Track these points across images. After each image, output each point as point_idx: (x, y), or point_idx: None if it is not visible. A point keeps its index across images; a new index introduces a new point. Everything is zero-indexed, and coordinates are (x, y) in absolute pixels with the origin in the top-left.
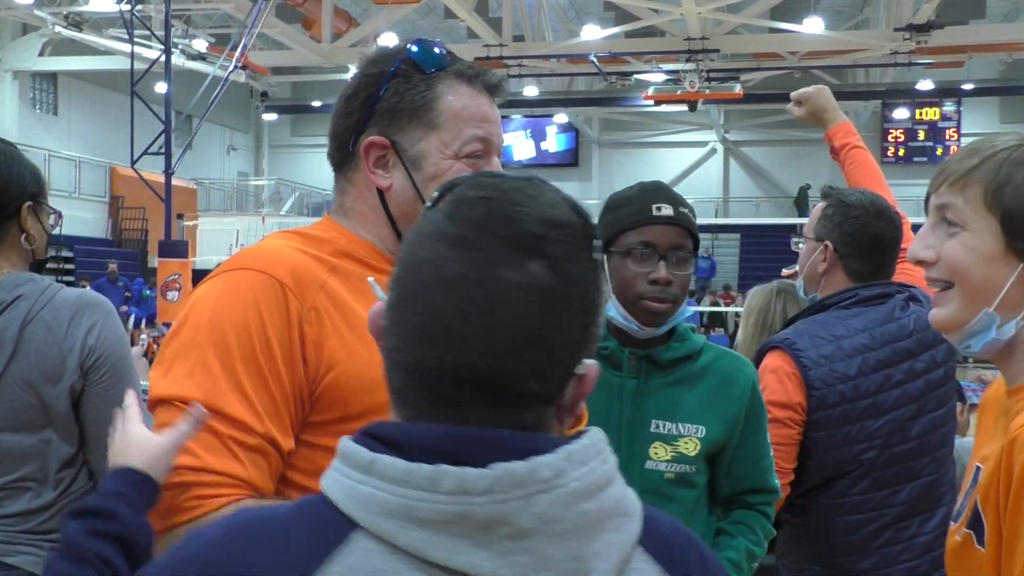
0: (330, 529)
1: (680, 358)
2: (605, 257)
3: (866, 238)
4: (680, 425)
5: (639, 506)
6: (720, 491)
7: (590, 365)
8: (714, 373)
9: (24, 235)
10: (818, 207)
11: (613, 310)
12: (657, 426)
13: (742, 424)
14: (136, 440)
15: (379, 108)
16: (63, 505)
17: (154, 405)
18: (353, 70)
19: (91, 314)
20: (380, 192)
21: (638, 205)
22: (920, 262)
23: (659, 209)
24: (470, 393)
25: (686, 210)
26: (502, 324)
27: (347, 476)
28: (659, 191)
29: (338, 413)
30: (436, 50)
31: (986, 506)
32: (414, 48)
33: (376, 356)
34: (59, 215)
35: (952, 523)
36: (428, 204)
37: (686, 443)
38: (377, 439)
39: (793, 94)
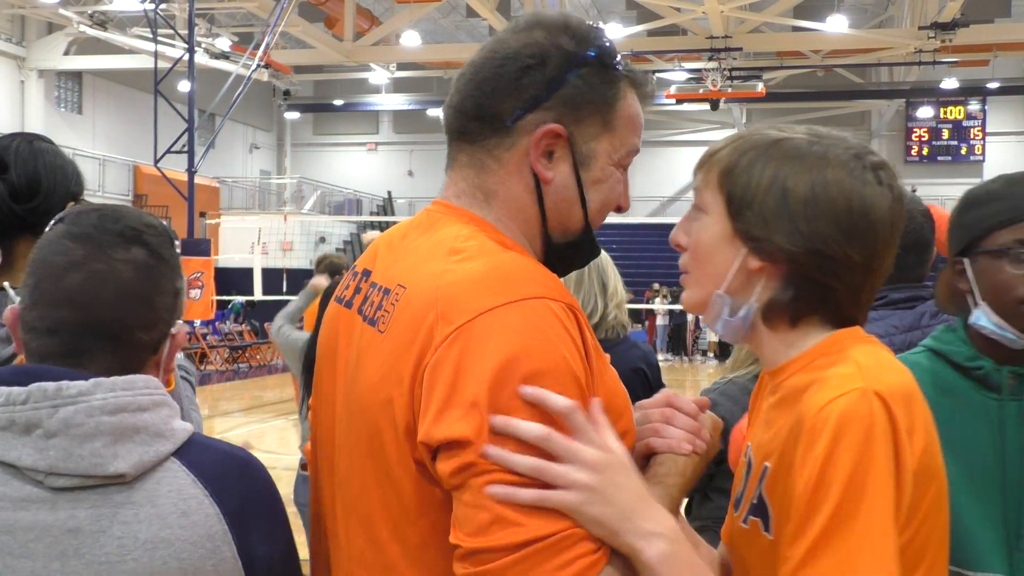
0: None
1: None
2: (967, 260)
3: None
4: None
5: (185, 435)
6: None
7: (180, 326)
8: None
9: None
10: None
11: (984, 318)
12: None
13: None
14: None
15: (562, 92)
16: None
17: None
18: (376, 69)
19: None
20: (537, 184)
21: (1011, 200)
22: (677, 245)
23: None
24: (97, 341)
25: None
26: (121, 288)
27: None
28: None
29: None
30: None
31: (772, 497)
32: (605, 37)
33: (607, 380)
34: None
35: (734, 510)
36: (49, 226)
37: None
38: None
39: None
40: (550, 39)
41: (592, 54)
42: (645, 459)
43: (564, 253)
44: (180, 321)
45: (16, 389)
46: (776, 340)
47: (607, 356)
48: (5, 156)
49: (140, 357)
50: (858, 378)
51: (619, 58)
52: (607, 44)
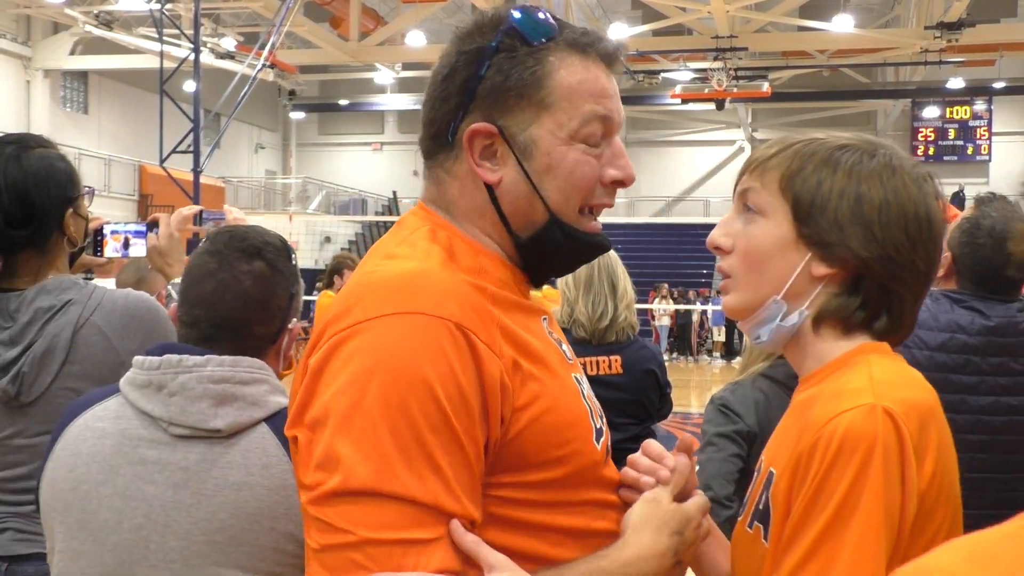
0: (104, 392)
1: None
2: None
3: (981, 266)
4: None
5: (279, 407)
6: None
7: (296, 323)
8: None
9: (66, 238)
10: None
11: None
12: None
13: None
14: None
15: (481, 89)
16: None
17: (328, 497)
18: (381, 69)
19: (139, 323)
20: (489, 187)
21: None
22: (717, 248)
23: None
24: (221, 333)
25: None
26: (240, 293)
27: None
28: None
29: (529, 459)
30: (541, 16)
31: (776, 503)
32: (517, 16)
33: (562, 391)
34: (92, 192)
35: (740, 514)
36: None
37: None
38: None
39: None
40: (456, 44)
41: (494, 43)
42: None
43: (538, 251)
44: (295, 319)
45: (152, 358)
46: (819, 347)
47: (561, 379)
48: None
49: (259, 346)
50: (868, 393)
51: (543, 30)
52: (519, 21)
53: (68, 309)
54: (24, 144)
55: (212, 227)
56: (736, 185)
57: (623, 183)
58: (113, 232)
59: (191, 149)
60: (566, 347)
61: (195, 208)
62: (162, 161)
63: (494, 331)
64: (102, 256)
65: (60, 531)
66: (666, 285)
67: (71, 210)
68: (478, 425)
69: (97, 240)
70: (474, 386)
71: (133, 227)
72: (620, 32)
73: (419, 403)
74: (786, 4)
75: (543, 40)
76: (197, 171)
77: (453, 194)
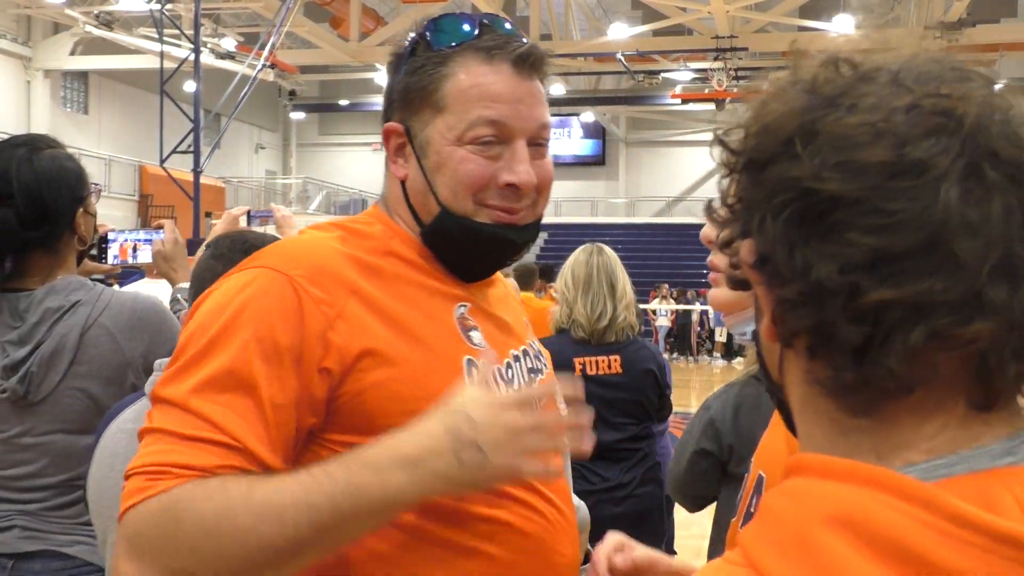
0: (134, 397)
1: None
2: None
3: None
4: None
5: None
6: None
7: None
8: None
9: (77, 236)
10: None
11: None
12: None
13: None
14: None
15: (397, 92)
16: None
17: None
18: (381, 69)
19: (146, 324)
20: (402, 182)
21: None
22: (710, 243)
23: None
24: None
25: None
26: None
27: None
28: None
29: (378, 423)
30: (456, 23)
31: None
32: (428, 23)
33: (427, 364)
34: (99, 189)
35: (734, 517)
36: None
37: None
38: None
39: None
40: (395, 49)
41: (410, 48)
42: None
43: (436, 239)
44: None
45: (167, 359)
46: None
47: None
48: (7, 178)
49: None
50: None
51: (449, 36)
52: (428, 27)
53: (77, 310)
54: (34, 146)
55: (259, 224)
56: None
57: (519, 188)
58: (117, 240)
59: (191, 149)
60: (479, 334)
61: (243, 208)
62: (162, 161)
63: (339, 293)
64: (106, 262)
65: (110, 525)
66: (666, 285)
67: (81, 209)
68: (290, 371)
69: (102, 247)
70: (292, 335)
71: (143, 234)
72: (620, 32)
73: (227, 342)
74: (786, 4)
75: (447, 46)
76: (197, 171)
77: (387, 186)
